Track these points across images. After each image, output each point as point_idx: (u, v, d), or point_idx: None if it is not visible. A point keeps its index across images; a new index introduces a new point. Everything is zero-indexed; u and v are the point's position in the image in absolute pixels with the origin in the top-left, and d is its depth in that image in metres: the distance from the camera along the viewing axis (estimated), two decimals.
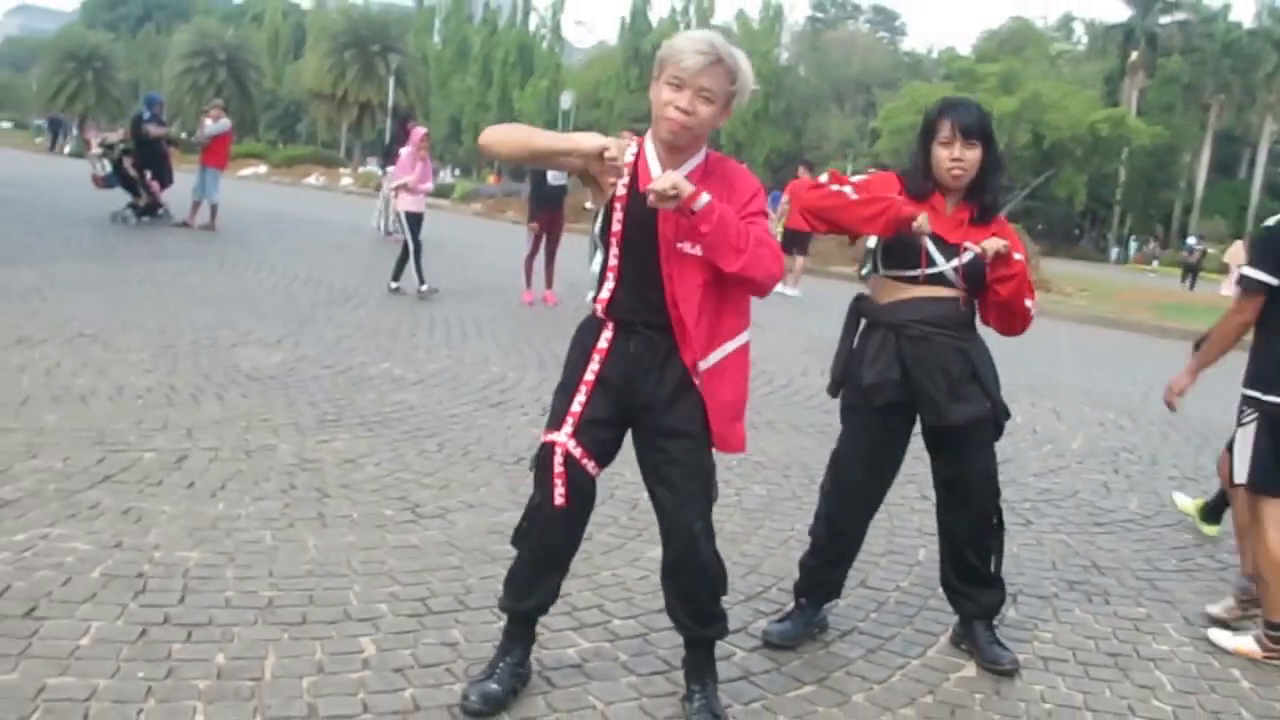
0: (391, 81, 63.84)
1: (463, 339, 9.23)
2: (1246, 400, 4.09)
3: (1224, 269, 36.59)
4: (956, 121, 3.48)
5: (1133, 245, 67.76)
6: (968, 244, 3.49)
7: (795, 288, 15.50)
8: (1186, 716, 3.46)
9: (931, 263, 3.51)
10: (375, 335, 8.86)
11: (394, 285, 11.67)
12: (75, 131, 53.59)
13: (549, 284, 12.02)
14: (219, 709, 2.92)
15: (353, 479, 5.03)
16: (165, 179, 16.26)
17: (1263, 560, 3.99)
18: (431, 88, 78.82)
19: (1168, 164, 68.50)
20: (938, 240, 3.50)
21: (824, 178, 3.62)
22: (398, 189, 12.08)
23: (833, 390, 3.79)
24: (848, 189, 3.52)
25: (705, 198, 2.77)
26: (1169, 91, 66.84)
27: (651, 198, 2.73)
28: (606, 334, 3.00)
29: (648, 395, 2.97)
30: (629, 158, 2.92)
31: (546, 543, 3.07)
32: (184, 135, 18.41)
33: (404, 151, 12.21)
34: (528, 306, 11.65)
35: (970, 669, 3.66)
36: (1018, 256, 3.50)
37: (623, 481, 5.16)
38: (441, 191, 35.24)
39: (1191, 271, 36.59)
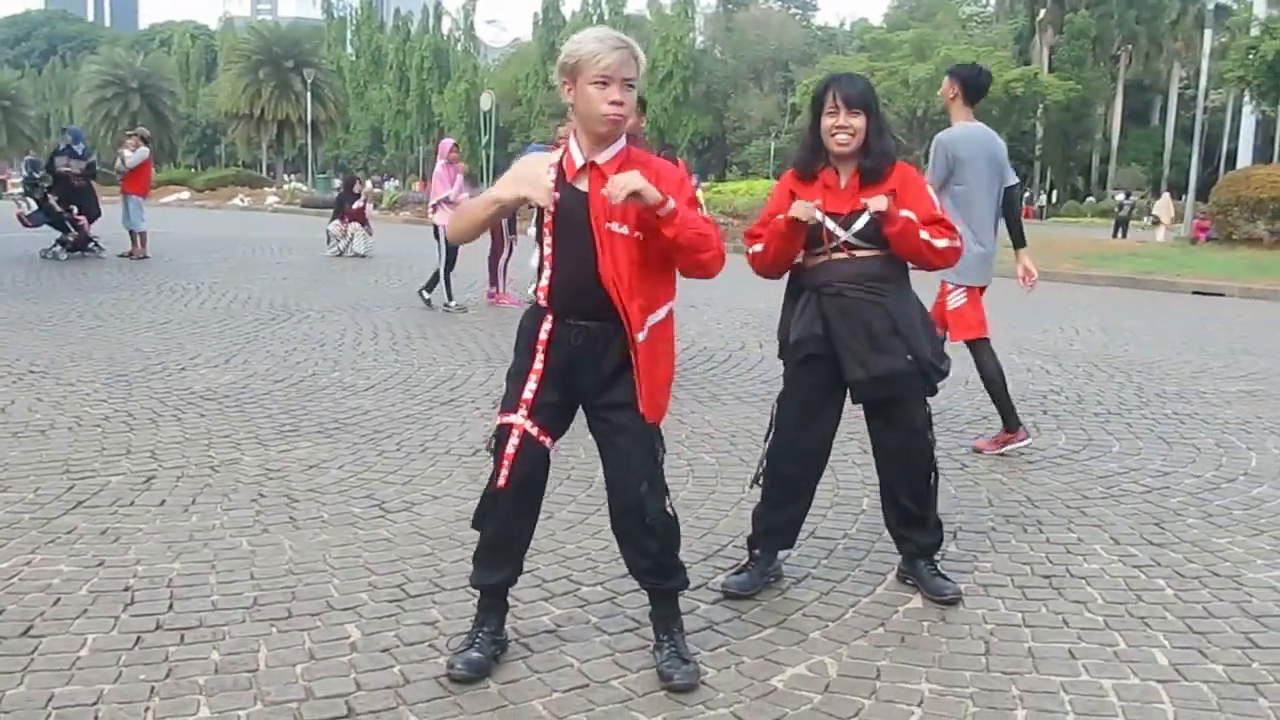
0: (309, 96, 63.28)
1: (408, 343, 9.38)
2: None
3: (1154, 220, 37.68)
4: (840, 92, 3.71)
5: (1025, 198, 68.83)
6: (864, 200, 3.72)
7: None
8: (1117, 624, 3.74)
9: (834, 237, 3.75)
10: (322, 347, 9.00)
11: (427, 296, 11.74)
12: None
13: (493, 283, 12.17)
14: (221, 700, 3.10)
15: (318, 483, 5.21)
16: (92, 212, 16.17)
17: None
18: (349, 99, 78.29)
19: (1082, 117, 69.70)
20: (834, 216, 3.73)
21: (756, 248, 3.88)
22: (438, 204, 11.95)
23: (780, 352, 4.04)
24: (756, 246, 3.85)
25: (671, 203, 3.00)
26: (1078, 46, 68.02)
27: (610, 193, 2.94)
28: (547, 326, 3.20)
29: (590, 379, 3.19)
30: (554, 160, 3.15)
31: (505, 518, 3.26)
32: (100, 167, 18.20)
33: (439, 165, 12.11)
34: (489, 305, 11.84)
35: (917, 601, 3.93)
36: (906, 214, 3.68)
37: (577, 462, 5.39)
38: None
39: (1122, 224, 37.58)
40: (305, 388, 7.38)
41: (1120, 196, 43.21)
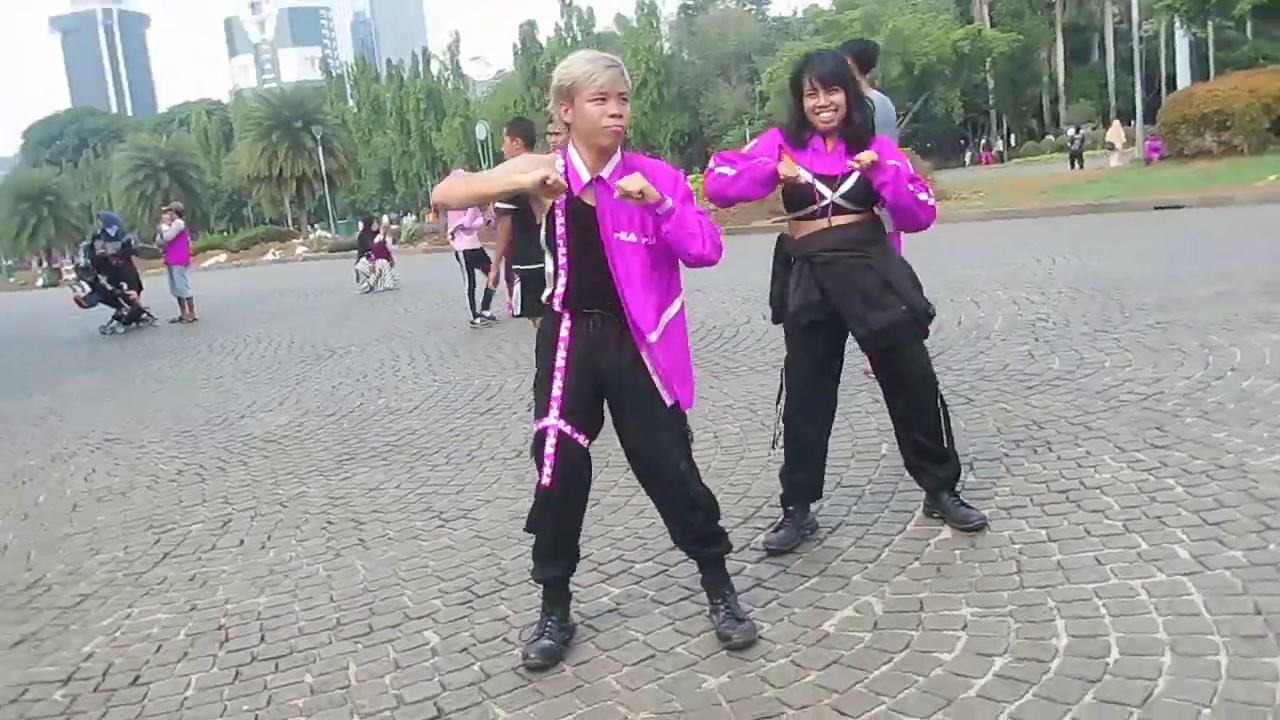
0: (320, 151, 63.35)
1: (443, 363, 9.33)
2: None
3: (1109, 147, 37.37)
4: (815, 74, 3.64)
5: (981, 145, 68.48)
6: (851, 161, 3.66)
7: None
8: (1136, 526, 3.66)
9: (822, 197, 3.69)
10: (365, 377, 8.96)
11: (485, 314, 11.57)
12: (45, 263, 52.90)
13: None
14: (320, 718, 3.06)
15: (380, 503, 5.17)
16: (138, 285, 16.22)
17: None
18: (357, 148, 78.34)
19: (1028, 64, 69.31)
20: (823, 178, 3.68)
21: (711, 163, 3.76)
22: (455, 231, 11.95)
23: (775, 318, 3.97)
24: (726, 168, 3.68)
25: (669, 202, 2.99)
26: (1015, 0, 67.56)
27: (617, 194, 2.92)
28: (566, 323, 3.14)
29: (612, 363, 3.12)
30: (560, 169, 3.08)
31: (556, 517, 3.20)
32: (141, 243, 18.22)
33: None
34: (511, 316, 11.74)
35: (946, 532, 3.86)
36: (892, 162, 3.63)
37: (614, 449, 5.26)
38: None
39: (1076, 157, 37.30)
40: (355, 417, 7.35)
41: (1071, 131, 42.84)
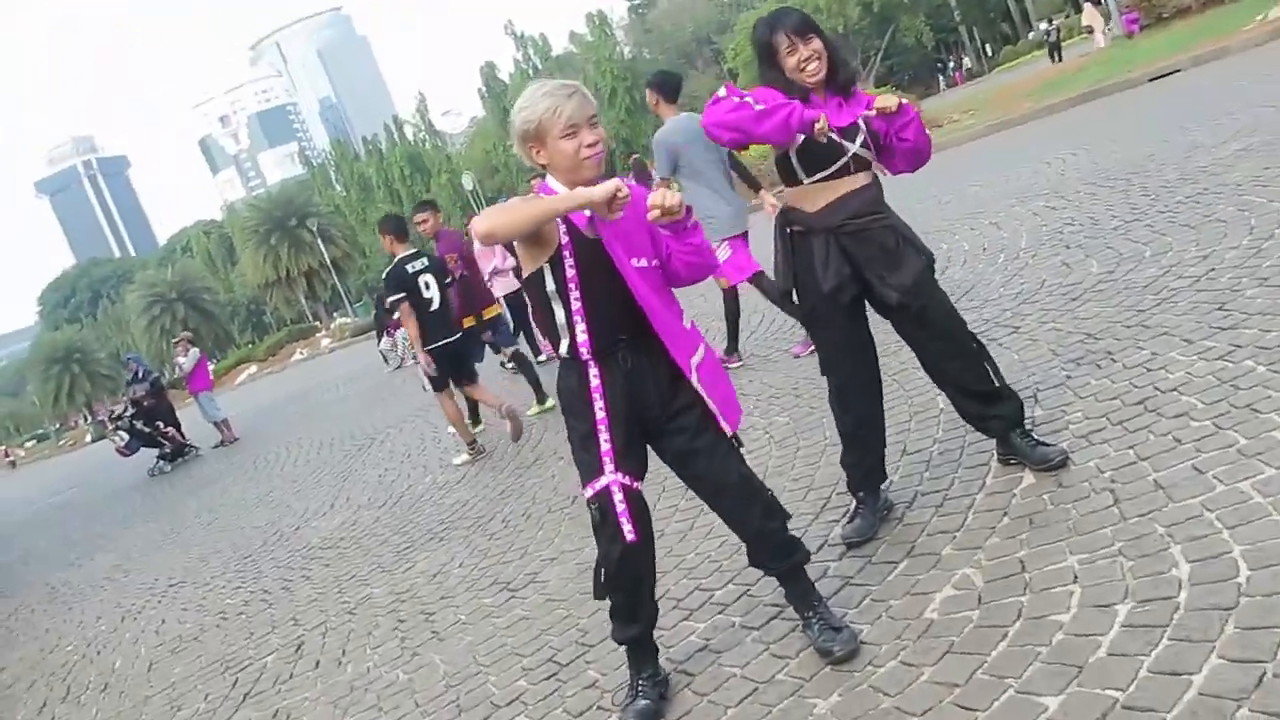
0: (319, 242, 63.81)
1: (477, 426, 9.15)
2: None
3: (1088, 31, 36.69)
4: (787, 28, 3.40)
5: (950, 67, 67.74)
6: (861, 115, 3.43)
7: None
8: (1227, 422, 3.39)
9: (844, 150, 3.45)
10: (409, 458, 8.82)
11: (542, 357, 11.38)
12: (89, 418, 53.64)
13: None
14: None
15: (447, 587, 4.99)
16: (175, 421, 16.24)
17: None
18: (355, 229, 78.84)
19: None
20: (840, 131, 3.43)
21: (722, 92, 3.43)
22: (491, 276, 11.77)
23: (786, 300, 3.71)
24: (752, 100, 3.34)
25: (693, 214, 2.83)
26: None
27: (653, 215, 2.72)
28: (593, 372, 2.90)
29: (652, 396, 2.93)
30: None
31: (631, 576, 3.00)
32: (166, 377, 18.26)
33: (476, 246, 11.97)
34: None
35: (1029, 476, 3.61)
36: (904, 99, 3.47)
37: (668, 473, 5.09)
38: None
39: (1055, 49, 36.66)
40: (407, 502, 7.19)
41: (1044, 25, 42.16)
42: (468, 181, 43.08)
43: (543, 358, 11.21)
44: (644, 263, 2.88)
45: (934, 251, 3.67)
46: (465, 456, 7.83)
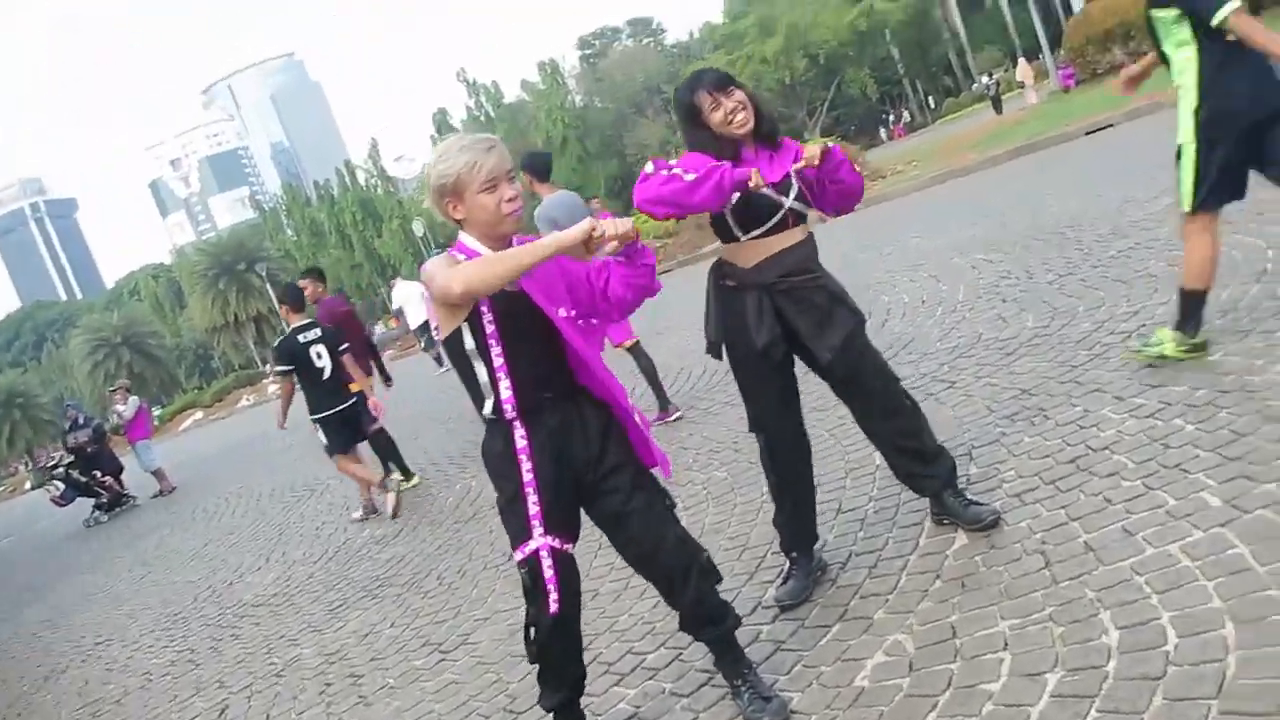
0: (268, 287, 63.17)
1: (420, 474, 8.98)
2: None
3: (1020, 85, 37.55)
4: (707, 86, 3.37)
5: (890, 120, 68.98)
6: (791, 168, 3.39)
7: None
8: (1157, 482, 3.37)
9: (779, 205, 3.40)
10: (346, 509, 8.62)
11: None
12: (30, 464, 52.32)
13: None
14: None
15: (376, 649, 4.83)
16: (113, 469, 15.82)
17: None
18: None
19: (926, 24, 69.86)
20: (774, 186, 3.40)
21: (649, 168, 3.36)
22: (439, 328, 11.72)
23: (714, 351, 3.64)
24: (682, 171, 3.26)
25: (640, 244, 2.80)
26: None
27: (614, 245, 2.67)
28: (519, 433, 2.82)
29: (581, 456, 2.85)
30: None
31: (560, 642, 2.91)
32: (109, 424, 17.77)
33: (426, 292, 11.86)
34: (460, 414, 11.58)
35: (962, 537, 3.56)
36: (830, 143, 3.45)
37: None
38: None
39: (996, 102, 37.48)
40: (342, 557, 7.01)
41: (985, 79, 43.08)
42: (418, 228, 42.93)
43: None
44: (564, 312, 2.81)
45: (876, 303, 3.66)
46: (359, 514, 8.03)
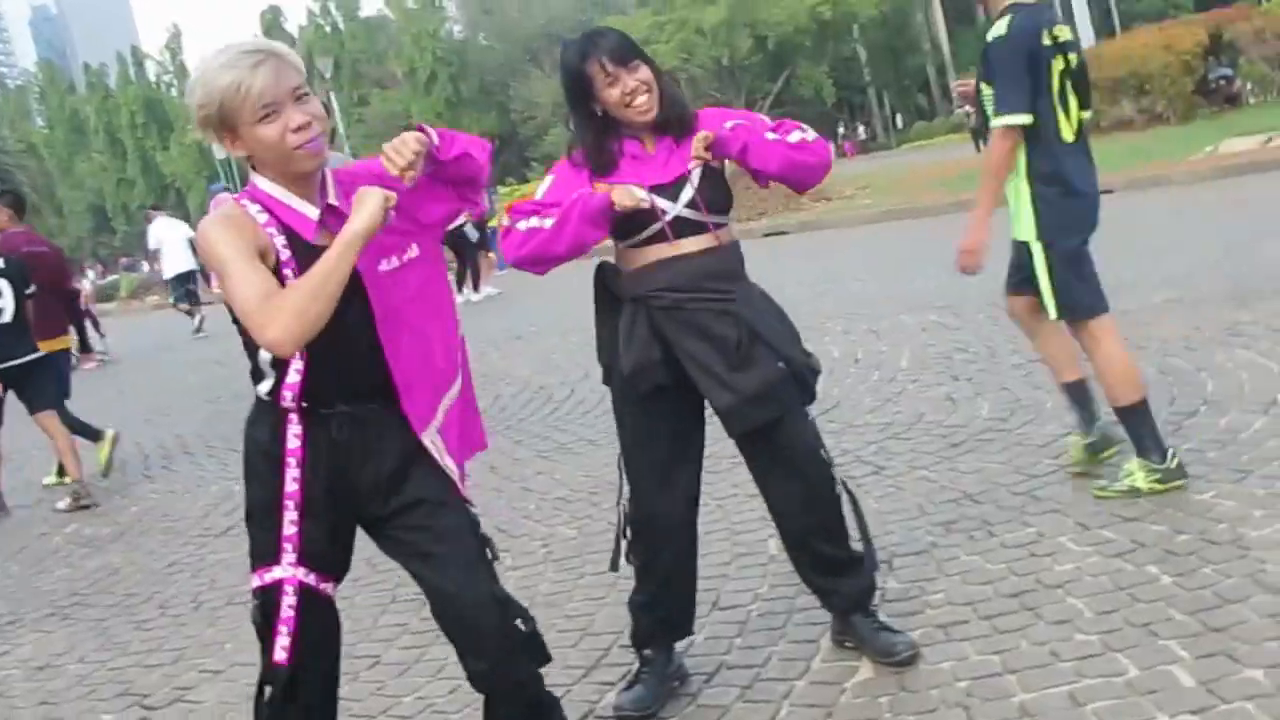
0: None
1: (168, 463, 8.79)
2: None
3: None
4: (603, 56, 3.33)
5: (840, 134, 70.94)
6: (690, 165, 3.38)
7: (490, 285, 17.09)
8: (1119, 642, 3.39)
9: (663, 213, 3.37)
10: (51, 490, 8.29)
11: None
12: None
13: None
14: None
15: (51, 689, 4.62)
16: None
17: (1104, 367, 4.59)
18: (53, 178, 75.60)
19: (903, 28, 71.82)
20: (657, 190, 3.37)
21: (506, 220, 3.44)
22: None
23: (604, 377, 3.66)
24: (537, 220, 3.35)
25: (433, 132, 2.71)
26: None
27: (411, 175, 2.61)
28: (294, 430, 2.71)
29: (369, 483, 2.76)
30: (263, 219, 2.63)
31: (302, 709, 2.77)
32: None
33: None
34: (235, 395, 11.25)
35: (866, 668, 3.54)
36: (730, 123, 3.37)
37: (404, 577, 4.82)
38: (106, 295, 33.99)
39: (978, 135, 38.45)
40: (30, 556, 6.73)
41: (966, 106, 44.43)
42: (219, 149, 41.76)
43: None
44: (395, 262, 2.73)
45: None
46: (67, 501, 7.83)
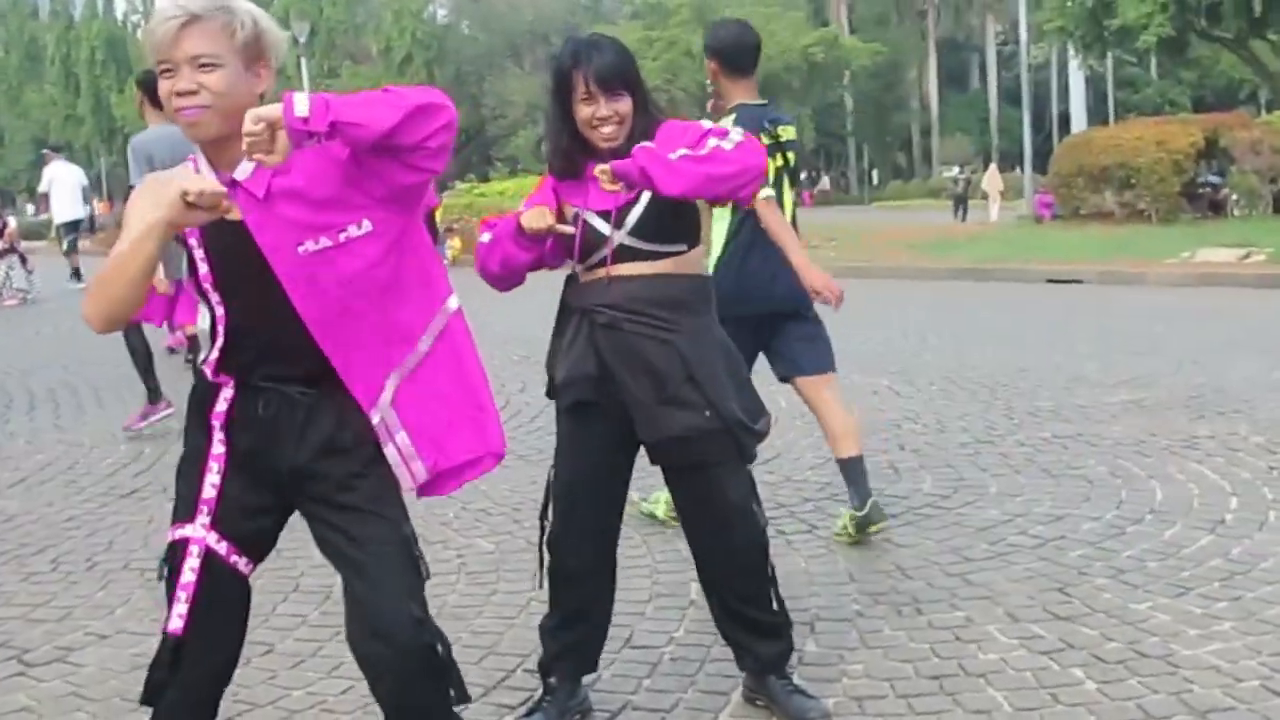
0: None
1: (79, 415, 8.72)
2: None
3: (983, 196, 39.30)
4: (592, 73, 3.33)
5: (801, 179, 71.17)
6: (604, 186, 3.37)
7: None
8: None
9: (602, 242, 3.39)
10: None
11: None
12: None
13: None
14: None
15: None
16: None
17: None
18: (0, 105, 74.48)
19: (894, 84, 72.43)
20: (605, 215, 3.38)
21: (484, 236, 3.49)
22: None
23: (548, 390, 3.66)
24: (485, 235, 3.47)
25: (301, 100, 2.44)
26: (881, 1, 70.64)
27: (270, 159, 2.46)
28: (226, 393, 2.70)
29: (289, 464, 2.71)
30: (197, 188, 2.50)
31: (189, 682, 2.71)
32: None
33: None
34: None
35: None
36: (642, 146, 3.27)
37: (309, 565, 4.82)
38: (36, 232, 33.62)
39: (960, 202, 39.01)
40: None
41: (955, 171, 44.98)
42: None
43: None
44: (324, 241, 2.60)
45: None
46: None
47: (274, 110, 2.42)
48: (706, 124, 3.50)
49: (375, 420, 2.70)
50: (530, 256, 3.44)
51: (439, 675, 2.77)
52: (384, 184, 2.61)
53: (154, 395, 7.91)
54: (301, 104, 2.41)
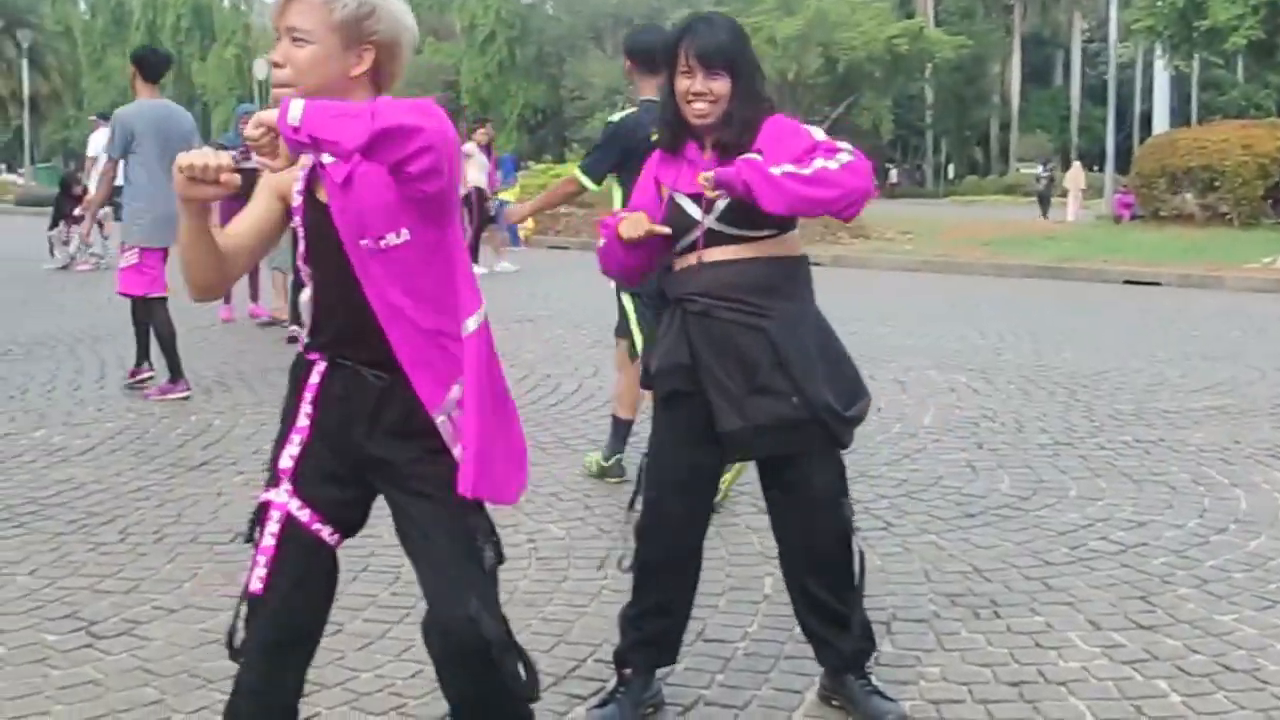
0: (24, 65, 60.75)
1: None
2: None
3: (1062, 195, 38.83)
4: (694, 48, 3.32)
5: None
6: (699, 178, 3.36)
7: (504, 260, 17.69)
8: None
9: (692, 225, 3.39)
10: (24, 394, 8.29)
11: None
12: None
13: (254, 295, 11.78)
14: None
15: None
16: None
17: None
18: (82, 69, 75.52)
19: (976, 78, 71.77)
20: (696, 199, 3.36)
21: (599, 241, 3.60)
22: None
23: (643, 380, 3.70)
24: (600, 242, 3.62)
25: (296, 107, 2.35)
26: None
27: (275, 165, 2.49)
28: (319, 368, 2.73)
29: (358, 447, 2.71)
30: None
31: (269, 647, 2.70)
32: None
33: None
34: (225, 325, 11.56)
35: None
36: (748, 158, 3.23)
37: (380, 545, 4.79)
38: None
39: (1043, 200, 38.58)
40: None
41: (1039, 169, 44.41)
42: (260, 69, 41.92)
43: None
44: (372, 243, 2.57)
45: None
46: None
47: (273, 115, 2.40)
48: (817, 134, 3.41)
49: (439, 420, 2.67)
50: (637, 260, 3.53)
51: (495, 670, 2.70)
52: (395, 194, 2.54)
53: (175, 373, 8.18)
54: (295, 111, 2.35)
